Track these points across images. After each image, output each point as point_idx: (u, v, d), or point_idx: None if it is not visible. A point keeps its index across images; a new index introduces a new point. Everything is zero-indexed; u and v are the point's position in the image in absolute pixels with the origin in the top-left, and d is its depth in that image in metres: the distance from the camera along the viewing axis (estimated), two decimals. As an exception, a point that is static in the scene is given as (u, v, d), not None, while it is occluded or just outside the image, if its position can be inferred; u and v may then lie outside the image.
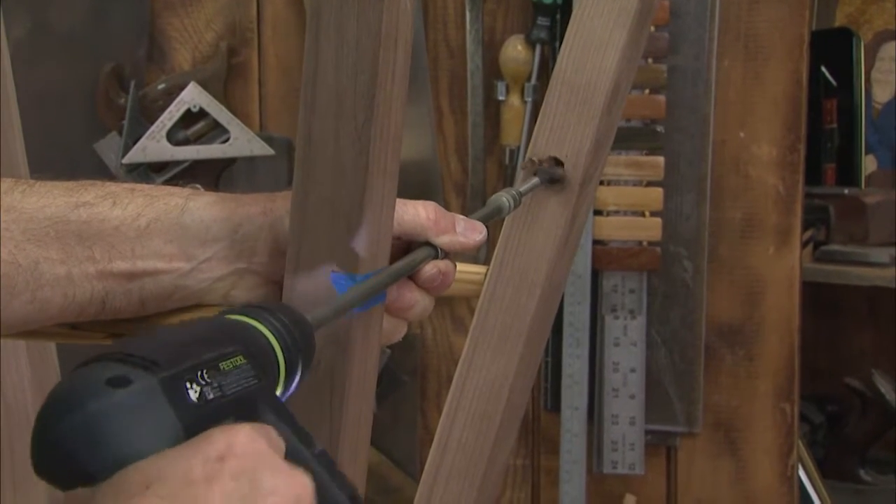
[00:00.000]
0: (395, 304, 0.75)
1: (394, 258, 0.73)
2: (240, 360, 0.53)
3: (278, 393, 0.57)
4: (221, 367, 0.52)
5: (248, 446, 0.49)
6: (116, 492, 0.47)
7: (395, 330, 0.77)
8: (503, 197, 0.85)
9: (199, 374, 0.50)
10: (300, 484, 0.50)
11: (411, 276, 0.75)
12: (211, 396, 0.50)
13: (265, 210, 0.74)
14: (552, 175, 0.90)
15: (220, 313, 0.59)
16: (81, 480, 0.47)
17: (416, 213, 0.75)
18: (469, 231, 0.77)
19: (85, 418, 0.47)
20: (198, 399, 0.50)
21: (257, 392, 0.53)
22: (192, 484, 0.47)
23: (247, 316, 0.58)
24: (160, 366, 0.49)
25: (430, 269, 0.75)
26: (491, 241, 0.88)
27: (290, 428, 0.54)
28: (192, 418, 0.49)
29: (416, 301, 0.75)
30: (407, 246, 0.76)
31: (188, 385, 0.49)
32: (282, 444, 0.52)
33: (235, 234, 0.73)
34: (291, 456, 0.52)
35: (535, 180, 0.90)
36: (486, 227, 0.80)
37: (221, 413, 0.51)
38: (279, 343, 0.57)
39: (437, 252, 0.75)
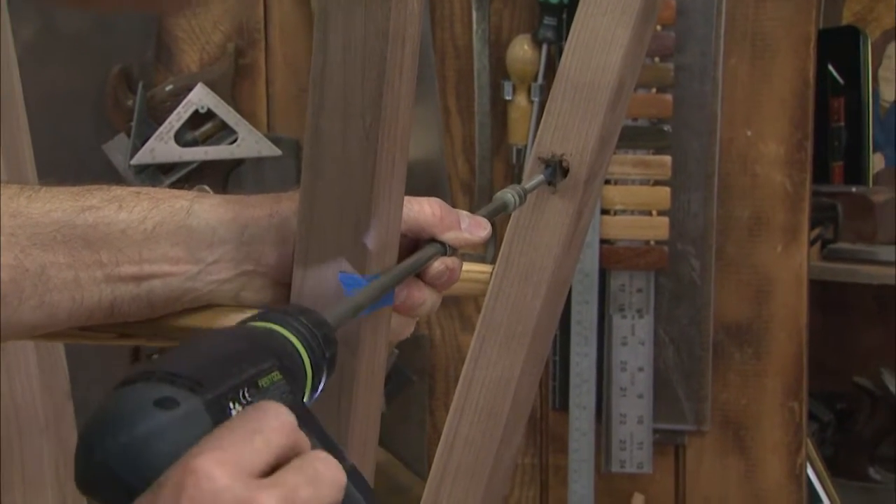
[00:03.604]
0: (404, 302, 0.75)
1: (399, 256, 0.74)
2: (276, 376, 0.53)
3: (305, 400, 0.57)
4: (260, 385, 0.52)
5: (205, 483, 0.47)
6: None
7: (403, 328, 0.77)
8: (508, 193, 0.85)
9: (240, 393, 0.51)
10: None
11: (419, 273, 0.75)
12: None
13: (271, 212, 0.74)
14: (557, 172, 0.91)
15: (247, 319, 0.58)
16: (126, 499, 0.47)
17: (420, 210, 0.75)
18: (474, 227, 0.77)
19: (133, 440, 0.47)
20: None
21: (290, 406, 0.53)
22: None
23: (275, 324, 0.58)
24: (205, 387, 0.49)
25: (438, 265, 0.75)
26: (497, 239, 0.88)
27: (320, 441, 0.54)
28: None
29: (425, 298, 0.75)
30: (411, 243, 0.76)
31: (231, 405, 0.50)
32: (305, 443, 0.51)
33: (242, 235, 0.74)
34: None
35: (541, 177, 0.90)
36: (493, 224, 0.81)
37: None
38: (307, 353, 0.57)
39: (444, 249, 0.75)
